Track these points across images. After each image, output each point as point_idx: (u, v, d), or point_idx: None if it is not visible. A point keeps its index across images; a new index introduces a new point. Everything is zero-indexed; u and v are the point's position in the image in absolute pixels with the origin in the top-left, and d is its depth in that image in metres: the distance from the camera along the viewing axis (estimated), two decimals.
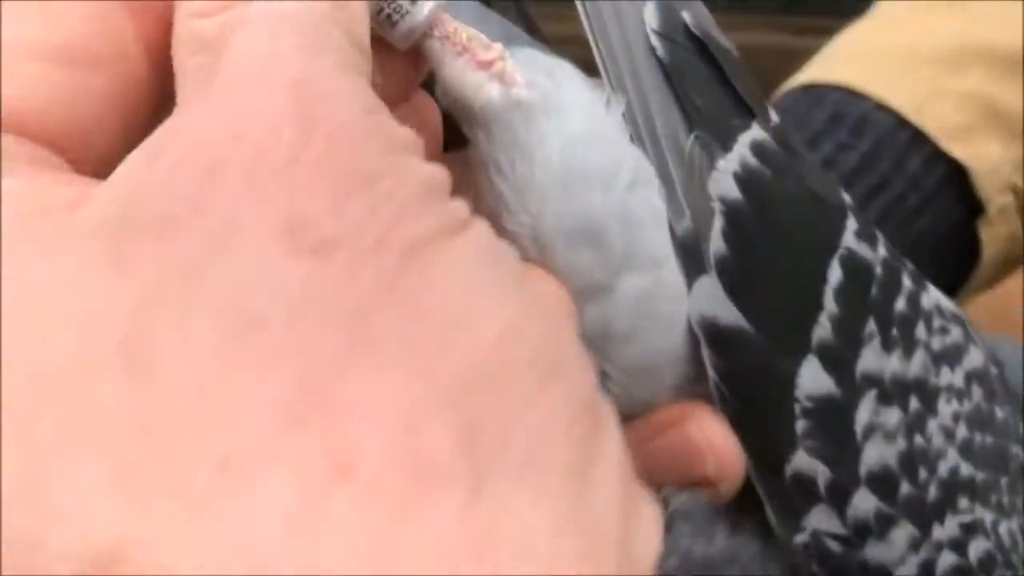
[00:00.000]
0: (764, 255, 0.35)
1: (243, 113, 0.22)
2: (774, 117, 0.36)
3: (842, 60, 0.71)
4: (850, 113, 0.66)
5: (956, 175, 0.66)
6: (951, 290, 0.70)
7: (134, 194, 0.21)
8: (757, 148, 0.35)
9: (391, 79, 0.30)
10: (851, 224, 0.36)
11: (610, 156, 0.33)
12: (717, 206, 0.34)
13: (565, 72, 0.35)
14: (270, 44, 0.23)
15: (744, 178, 0.35)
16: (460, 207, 0.23)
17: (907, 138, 0.66)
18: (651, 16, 0.35)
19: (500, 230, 0.32)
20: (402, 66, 0.31)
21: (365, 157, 0.21)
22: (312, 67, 0.23)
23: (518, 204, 0.32)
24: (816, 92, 0.68)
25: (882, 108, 0.66)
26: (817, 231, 0.36)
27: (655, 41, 0.35)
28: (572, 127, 0.33)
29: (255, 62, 0.23)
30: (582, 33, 0.35)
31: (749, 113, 0.36)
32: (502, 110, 0.32)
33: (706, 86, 0.35)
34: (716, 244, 0.34)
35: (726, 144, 0.35)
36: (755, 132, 0.36)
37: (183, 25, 0.25)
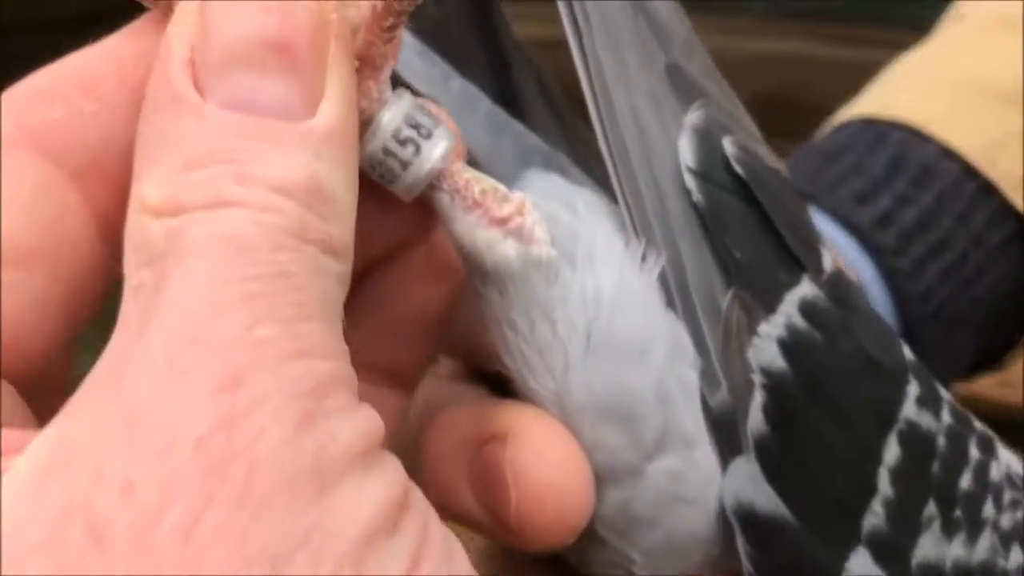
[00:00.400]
0: (810, 435, 0.30)
1: (147, 440, 0.18)
2: (827, 264, 0.31)
3: (904, 91, 0.65)
4: (912, 159, 0.60)
5: (1022, 230, 0.61)
6: (1008, 347, 0.65)
7: (11, 536, 0.18)
8: (807, 308, 0.30)
9: (402, 221, 0.28)
10: (912, 390, 0.31)
11: (644, 325, 0.29)
12: (758, 378, 0.30)
13: (590, 205, 0.31)
14: (207, 302, 0.20)
15: (791, 345, 0.30)
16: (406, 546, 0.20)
17: (973, 190, 0.60)
18: (687, 151, 0.30)
19: (521, 388, 0.29)
20: (416, 206, 0.27)
21: (286, 520, 0.18)
22: (250, 358, 0.19)
23: (540, 365, 0.29)
24: (876, 129, 0.62)
25: (947, 154, 0.60)
26: (873, 404, 0.31)
27: (690, 182, 0.30)
28: (600, 285, 0.28)
29: (182, 335, 0.20)
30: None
31: (798, 264, 0.31)
32: (519, 270, 0.27)
33: (748, 235, 0.30)
34: (755, 422, 0.30)
35: (770, 304, 0.30)
36: (804, 288, 0.31)
37: (134, 218, 0.22)
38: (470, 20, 0.33)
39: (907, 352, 0.32)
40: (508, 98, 0.33)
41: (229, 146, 0.21)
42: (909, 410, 0.31)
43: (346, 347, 0.21)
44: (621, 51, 0.30)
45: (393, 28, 0.24)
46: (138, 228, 0.21)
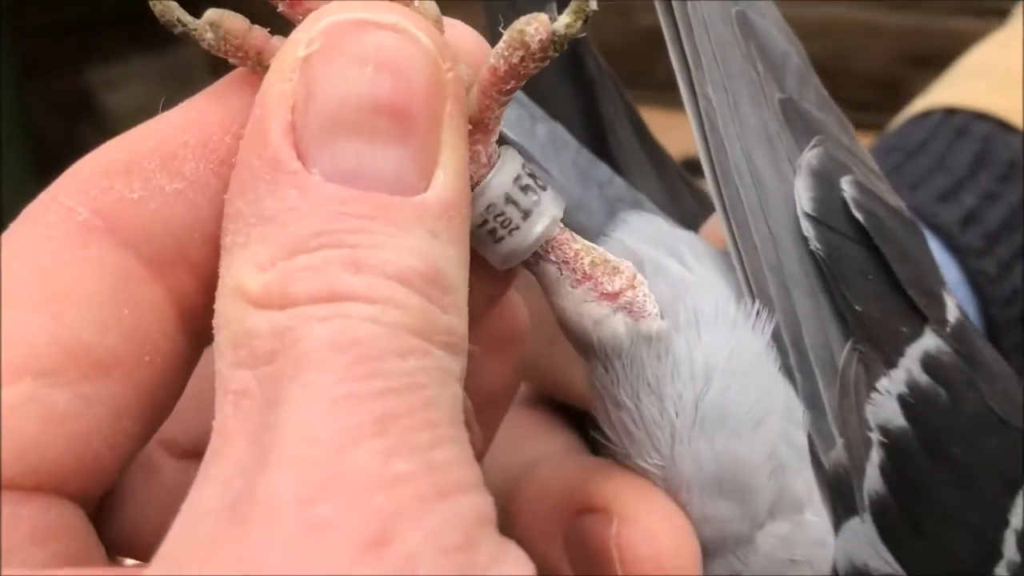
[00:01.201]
0: (931, 496, 0.28)
1: None
2: (952, 314, 0.29)
3: (986, 80, 0.62)
4: (998, 154, 0.57)
5: None
6: None
7: None
8: (930, 362, 0.28)
9: (477, 288, 0.24)
10: None
11: (757, 395, 0.27)
12: (876, 436, 0.28)
13: (696, 253, 0.29)
14: (337, 429, 0.18)
15: (912, 402, 0.28)
16: None
17: None
18: (804, 195, 0.28)
19: (622, 460, 0.28)
20: (492, 272, 0.25)
21: None
22: (394, 505, 0.17)
23: (645, 440, 0.27)
24: (958, 121, 0.60)
25: None
26: (998, 464, 0.29)
27: (807, 229, 0.28)
28: (709, 354, 0.27)
29: (314, 475, 0.17)
30: None
31: (921, 315, 0.29)
32: (628, 346, 0.25)
33: (868, 285, 0.28)
34: (873, 482, 0.28)
35: (891, 359, 0.28)
36: (927, 341, 0.29)
37: (229, 305, 0.19)
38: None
39: None
40: (596, 131, 0.32)
41: (338, 225, 0.19)
42: None
43: (478, 466, 0.19)
44: (733, 88, 0.28)
45: (512, 91, 0.22)
46: (236, 319, 0.19)
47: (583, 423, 0.30)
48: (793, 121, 0.29)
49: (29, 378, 0.19)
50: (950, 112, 0.61)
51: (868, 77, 1.18)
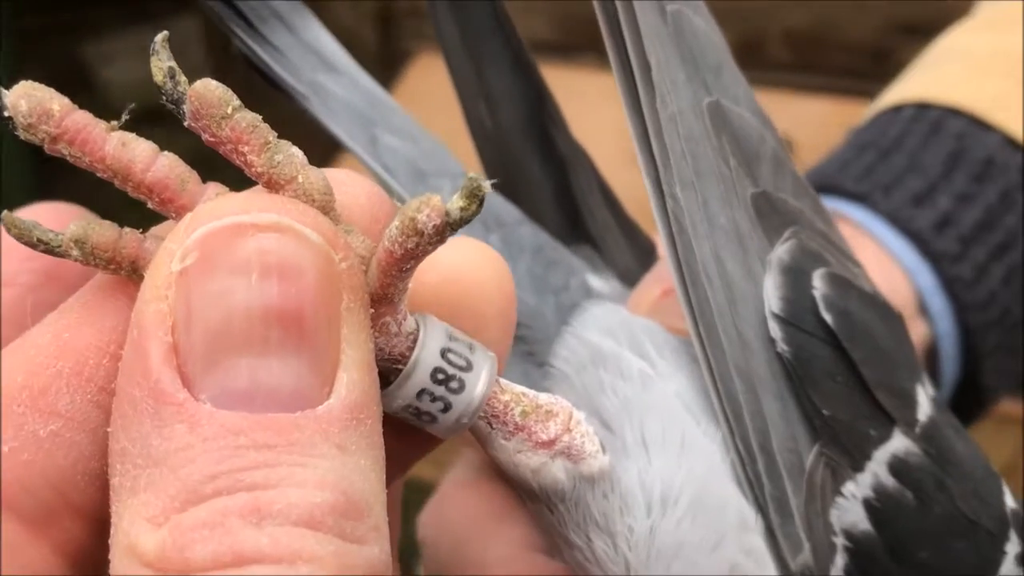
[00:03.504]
0: None
1: None
2: (923, 412, 0.28)
3: (958, 71, 0.61)
4: (973, 153, 0.56)
5: None
6: None
7: None
8: (897, 465, 0.28)
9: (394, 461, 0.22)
10: (1012, 547, 0.29)
11: (711, 519, 0.26)
12: (840, 541, 0.27)
13: (658, 344, 0.28)
14: None
15: (878, 506, 0.27)
16: None
17: None
18: (772, 295, 0.27)
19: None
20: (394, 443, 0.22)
21: None
22: None
23: (599, 573, 0.26)
24: (932, 117, 0.58)
25: (1011, 144, 0.56)
26: (965, 568, 0.28)
27: (775, 330, 0.27)
28: (660, 485, 0.26)
29: None
30: None
31: (890, 418, 0.28)
32: (570, 489, 0.24)
33: (836, 388, 0.28)
34: None
35: (858, 462, 0.28)
36: (896, 444, 0.28)
37: (126, 565, 0.17)
38: (525, 129, 0.30)
39: (1009, 501, 0.30)
40: (568, 207, 0.30)
41: (234, 464, 0.17)
42: (1008, 569, 0.29)
43: None
44: (703, 187, 0.27)
45: (414, 268, 0.20)
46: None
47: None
48: (767, 216, 0.28)
49: None
50: (923, 107, 0.59)
51: (858, 45, 1.16)
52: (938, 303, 0.54)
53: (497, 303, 0.22)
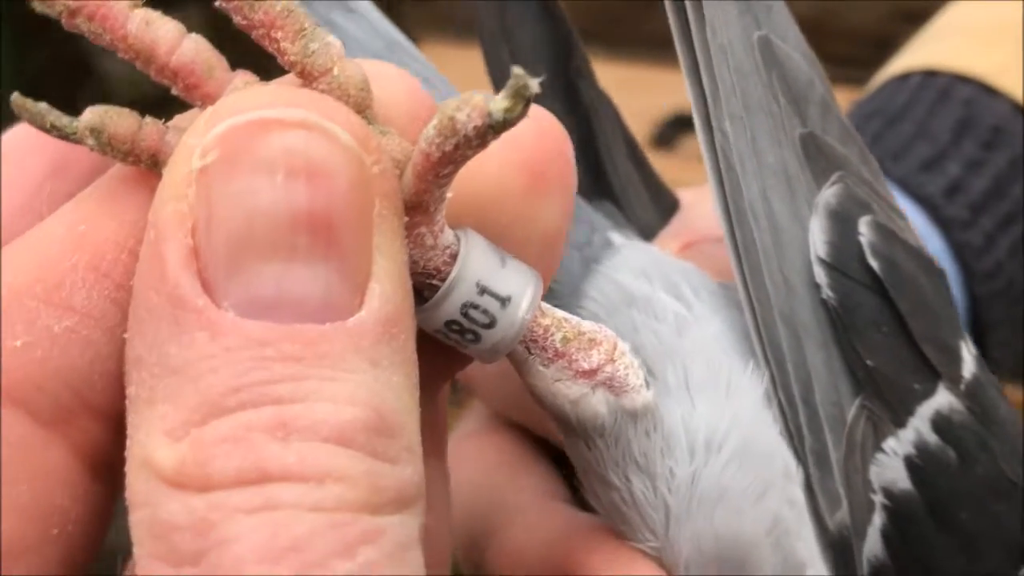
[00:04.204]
0: (933, 564, 0.27)
1: None
2: (968, 369, 0.27)
3: (966, 38, 0.60)
4: (982, 119, 0.55)
5: None
6: None
7: None
8: (940, 422, 0.27)
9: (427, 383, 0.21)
10: None
11: (757, 467, 0.25)
12: (879, 499, 0.26)
13: (695, 287, 0.27)
14: None
15: (919, 464, 0.26)
16: None
17: None
18: (819, 238, 0.26)
19: (618, 537, 0.26)
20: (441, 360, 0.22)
21: None
22: None
23: (638, 520, 0.25)
24: (940, 84, 0.57)
25: (1020, 111, 0.56)
26: (1006, 531, 0.27)
27: (820, 275, 0.26)
28: (705, 429, 0.24)
29: None
30: None
31: (935, 372, 0.27)
32: (611, 425, 0.23)
33: (881, 338, 0.26)
34: (873, 547, 0.26)
35: (900, 417, 0.26)
36: (940, 399, 0.27)
37: (141, 483, 0.16)
38: (550, 80, 0.29)
39: None
40: (592, 160, 0.29)
41: (259, 376, 0.16)
42: None
43: None
44: (752, 123, 0.25)
45: (452, 174, 0.18)
46: (150, 500, 0.16)
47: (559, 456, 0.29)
48: (814, 158, 0.27)
49: None
50: (931, 74, 0.58)
51: (860, 33, 1.16)
52: (948, 270, 0.53)
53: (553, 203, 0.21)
